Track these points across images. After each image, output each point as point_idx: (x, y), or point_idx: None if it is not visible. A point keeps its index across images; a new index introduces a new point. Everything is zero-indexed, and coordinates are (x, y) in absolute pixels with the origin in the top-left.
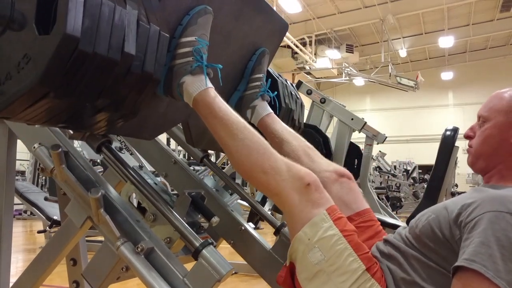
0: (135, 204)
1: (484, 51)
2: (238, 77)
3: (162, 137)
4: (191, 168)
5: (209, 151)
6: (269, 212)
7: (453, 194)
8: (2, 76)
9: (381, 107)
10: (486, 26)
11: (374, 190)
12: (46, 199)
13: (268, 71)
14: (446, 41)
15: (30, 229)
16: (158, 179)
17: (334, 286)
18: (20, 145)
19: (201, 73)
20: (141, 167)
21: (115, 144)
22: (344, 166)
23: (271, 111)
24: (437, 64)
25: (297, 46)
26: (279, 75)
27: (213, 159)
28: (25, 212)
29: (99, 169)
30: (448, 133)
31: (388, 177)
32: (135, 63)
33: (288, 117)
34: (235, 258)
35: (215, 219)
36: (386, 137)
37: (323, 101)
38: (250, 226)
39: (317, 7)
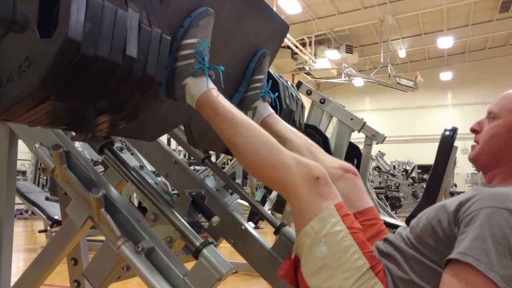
0: (136, 203)
1: (483, 52)
2: (239, 79)
3: (163, 137)
4: (192, 168)
5: (210, 152)
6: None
7: (452, 194)
8: (3, 78)
9: (381, 107)
10: (485, 27)
11: (373, 190)
12: (47, 198)
13: (268, 72)
14: (445, 42)
15: (31, 228)
16: (159, 179)
17: (337, 282)
18: (21, 145)
19: (203, 75)
20: (142, 167)
21: (116, 145)
22: None
23: (273, 111)
24: (436, 65)
25: (296, 47)
26: (280, 76)
27: (213, 159)
28: (26, 211)
29: (100, 169)
30: (447, 133)
31: (387, 177)
32: (136, 66)
33: (289, 118)
34: (235, 258)
35: (215, 219)
36: (386, 137)
37: (322, 101)
38: (250, 226)
39: (317, 7)
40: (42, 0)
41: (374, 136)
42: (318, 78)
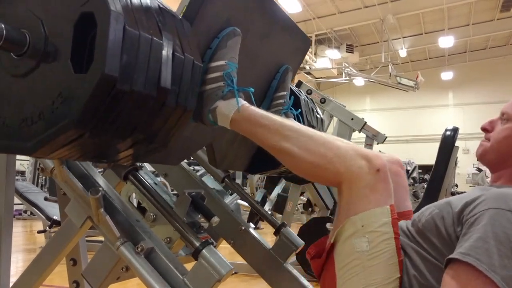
0: (135, 204)
1: (484, 51)
2: (262, 96)
3: None
4: (191, 168)
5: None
6: (269, 212)
7: (453, 194)
8: (34, 115)
9: (381, 107)
10: (486, 26)
11: None
12: (46, 199)
13: (290, 88)
14: (446, 41)
15: (30, 229)
16: (158, 179)
17: (364, 280)
18: None
19: (233, 97)
20: (141, 167)
21: None
22: None
23: None
24: (437, 64)
25: None
26: (300, 91)
27: None
28: (25, 212)
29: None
30: (448, 133)
31: None
32: (170, 97)
33: None
34: (235, 258)
35: (215, 219)
36: (386, 137)
37: (323, 101)
38: (250, 226)
39: (317, 7)
40: (76, 31)
41: (374, 136)
42: (319, 78)
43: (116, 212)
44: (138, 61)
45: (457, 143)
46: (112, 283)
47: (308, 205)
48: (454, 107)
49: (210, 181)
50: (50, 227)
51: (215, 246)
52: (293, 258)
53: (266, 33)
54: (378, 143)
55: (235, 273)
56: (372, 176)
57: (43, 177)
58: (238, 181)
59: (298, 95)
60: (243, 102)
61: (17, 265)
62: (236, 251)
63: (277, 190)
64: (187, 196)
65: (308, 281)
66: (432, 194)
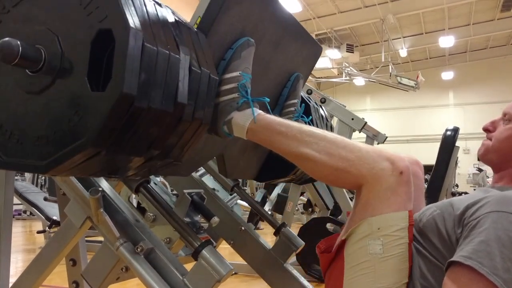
0: (135, 204)
1: (485, 51)
2: (273, 105)
3: None
4: None
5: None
6: (269, 213)
7: (453, 194)
8: (49, 133)
9: (382, 107)
10: (487, 26)
11: None
12: (45, 199)
13: (301, 96)
14: (447, 41)
15: (29, 229)
16: (158, 179)
17: (372, 283)
18: None
19: (248, 108)
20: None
21: None
22: None
23: None
24: (437, 64)
25: None
26: (309, 98)
27: None
28: (25, 212)
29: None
30: (448, 133)
31: None
32: (187, 111)
33: None
34: (235, 259)
35: (215, 220)
36: (387, 137)
37: (323, 101)
38: (250, 226)
39: (317, 6)
40: (93, 48)
41: (375, 136)
42: (319, 78)
43: (116, 212)
44: (156, 78)
45: (457, 143)
46: (112, 283)
47: (308, 205)
48: (454, 107)
49: (210, 181)
50: (50, 227)
51: (215, 246)
52: (293, 258)
53: (278, 42)
54: (378, 143)
55: (235, 273)
56: (395, 178)
57: (43, 177)
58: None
59: (308, 102)
60: (258, 111)
61: (17, 265)
62: (236, 251)
63: (277, 190)
64: (187, 196)
65: (308, 281)
66: (432, 194)
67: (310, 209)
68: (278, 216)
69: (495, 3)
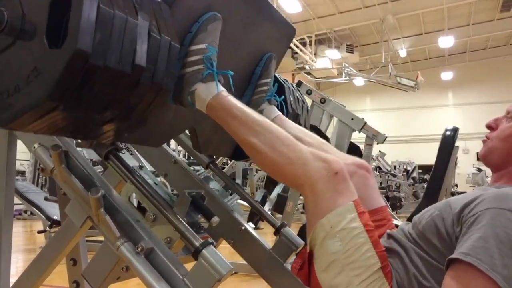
0: (135, 204)
1: (484, 51)
2: (245, 83)
3: None
4: (191, 168)
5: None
6: (269, 212)
7: (453, 194)
8: (10, 88)
9: (381, 107)
10: (486, 26)
11: None
12: (46, 199)
13: (274, 76)
14: (446, 41)
15: (30, 229)
16: (158, 179)
17: (347, 278)
18: (20, 145)
19: (212, 80)
20: (141, 167)
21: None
22: None
23: (279, 113)
24: (437, 64)
25: (297, 46)
26: (285, 80)
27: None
28: (25, 212)
29: (99, 169)
30: (448, 133)
31: (388, 177)
32: (145, 75)
33: (295, 121)
34: (235, 258)
35: (215, 219)
36: (386, 137)
37: (323, 101)
38: (250, 226)
39: (317, 7)
40: (51, 10)
41: (374, 136)
42: (319, 78)
43: (116, 212)
44: (112, 39)
45: (457, 143)
46: (112, 283)
47: None
48: (454, 107)
49: (210, 181)
50: (50, 227)
51: (215, 246)
52: (293, 258)
53: (250, 21)
54: (378, 143)
55: (235, 273)
56: (330, 178)
57: (43, 177)
58: (238, 181)
59: (283, 83)
60: (222, 88)
61: (17, 265)
62: (236, 251)
63: (277, 190)
64: (187, 196)
65: None
66: (432, 194)
67: None
68: (278, 216)
69: (495, 3)
